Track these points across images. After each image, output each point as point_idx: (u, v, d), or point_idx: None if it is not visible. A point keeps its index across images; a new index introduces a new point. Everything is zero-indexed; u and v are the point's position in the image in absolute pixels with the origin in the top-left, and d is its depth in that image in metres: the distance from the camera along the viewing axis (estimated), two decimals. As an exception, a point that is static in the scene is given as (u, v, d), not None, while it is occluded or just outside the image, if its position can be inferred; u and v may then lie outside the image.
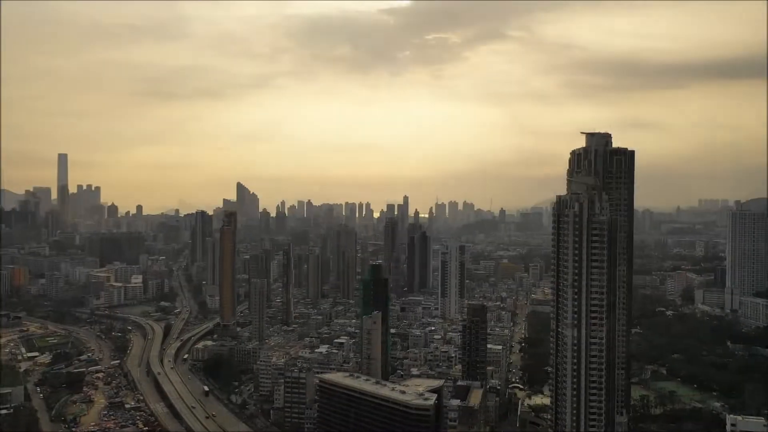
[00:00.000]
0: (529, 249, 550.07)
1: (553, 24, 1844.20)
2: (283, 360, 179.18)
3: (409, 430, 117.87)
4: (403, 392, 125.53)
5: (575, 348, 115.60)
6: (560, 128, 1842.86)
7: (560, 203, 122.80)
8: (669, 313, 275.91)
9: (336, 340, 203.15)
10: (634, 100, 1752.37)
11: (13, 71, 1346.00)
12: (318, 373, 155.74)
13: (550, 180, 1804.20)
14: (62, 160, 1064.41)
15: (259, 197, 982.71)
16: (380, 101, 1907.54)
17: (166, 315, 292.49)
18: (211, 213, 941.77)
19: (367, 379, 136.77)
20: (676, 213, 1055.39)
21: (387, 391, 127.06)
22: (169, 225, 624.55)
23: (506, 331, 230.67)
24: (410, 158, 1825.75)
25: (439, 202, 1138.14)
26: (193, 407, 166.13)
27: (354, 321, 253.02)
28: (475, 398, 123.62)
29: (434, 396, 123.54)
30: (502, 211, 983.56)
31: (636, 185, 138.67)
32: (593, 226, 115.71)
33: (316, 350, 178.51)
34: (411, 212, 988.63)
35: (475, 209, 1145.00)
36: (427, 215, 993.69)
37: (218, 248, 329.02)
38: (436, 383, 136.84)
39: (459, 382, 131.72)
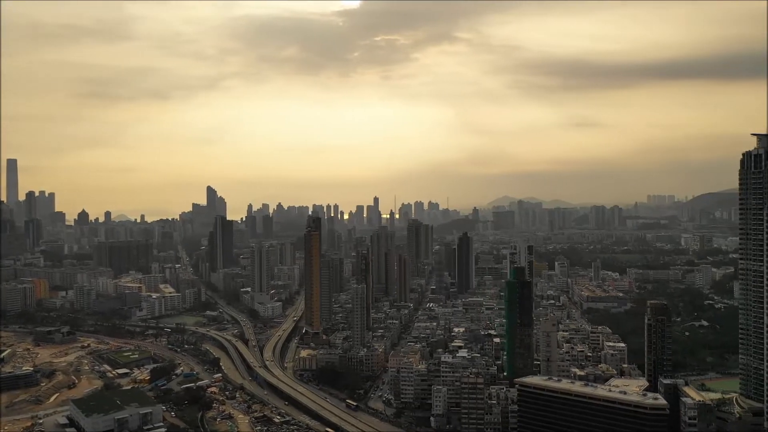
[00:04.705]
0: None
1: (501, 26, 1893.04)
2: (423, 366, 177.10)
3: (644, 430, 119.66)
4: (624, 393, 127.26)
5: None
6: (509, 127, 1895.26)
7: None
8: (720, 305, 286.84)
9: (452, 344, 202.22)
10: (580, 99, 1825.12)
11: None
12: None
13: (500, 178, 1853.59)
14: (11, 165, 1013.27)
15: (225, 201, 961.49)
16: (331, 102, 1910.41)
17: (221, 325, 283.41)
18: (177, 217, 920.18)
19: (571, 382, 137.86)
20: (635, 209, 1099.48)
21: (605, 392, 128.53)
22: (162, 231, 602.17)
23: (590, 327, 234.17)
24: (365, 159, 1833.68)
25: (405, 202, 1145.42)
26: (341, 417, 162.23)
27: (434, 324, 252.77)
28: (695, 396, 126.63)
29: (657, 395, 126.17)
30: (475, 210, 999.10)
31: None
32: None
33: (458, 355, 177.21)
34: (386, 213, 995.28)
35: (441, 209, 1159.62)
36: (396, 215, 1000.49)
37: (265, 255, 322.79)
38: (640, 382, 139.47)
39: (665, 381, 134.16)
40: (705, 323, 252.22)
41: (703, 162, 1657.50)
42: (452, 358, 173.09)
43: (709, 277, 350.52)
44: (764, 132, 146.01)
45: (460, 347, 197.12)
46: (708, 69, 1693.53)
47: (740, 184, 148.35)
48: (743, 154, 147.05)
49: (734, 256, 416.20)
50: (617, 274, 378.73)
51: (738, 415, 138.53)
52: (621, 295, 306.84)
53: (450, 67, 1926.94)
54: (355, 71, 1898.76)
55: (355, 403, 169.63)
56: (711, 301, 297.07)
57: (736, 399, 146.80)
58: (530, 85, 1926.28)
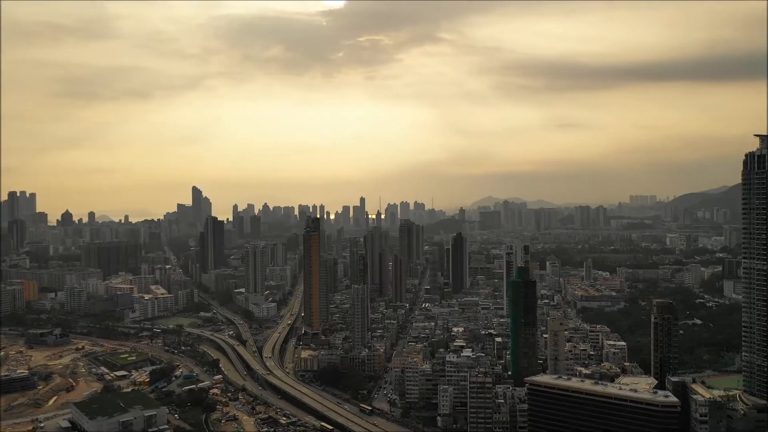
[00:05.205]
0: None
1: (484, 27, 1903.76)
2: (428, 366, 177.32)
3: (655, 428, 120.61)
4: (635, 390, 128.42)
5: None
6: (493, 128, 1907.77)
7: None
8: (711, 304, 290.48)
9: (454, 344, 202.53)
10: (564, 100, 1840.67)
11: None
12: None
13: (484, 179, 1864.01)
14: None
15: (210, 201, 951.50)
16: (315, 102, 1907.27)
17: (216, 326, 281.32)
18: (161, 218, 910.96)
19: (580, 380, 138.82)
20: (618, 209, 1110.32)
21: (615, 390, 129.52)
22: (150, 232, 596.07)
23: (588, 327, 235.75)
24: (349, 159, 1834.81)
25: (391, 203, 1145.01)
26: (349, 418, 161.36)
27: (432, 324, 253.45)
28: (704, 393, 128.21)
29: (668, 392, 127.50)
30: (462, 211, 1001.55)
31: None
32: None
33: (462, 355, 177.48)
34: (372, 213, 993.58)
35: (427, 209, 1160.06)
36: (383, 215, 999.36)
37: (260, 255, 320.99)
38: (649, 380, 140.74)
39: (673, 378, 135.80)
40: (698, 321, 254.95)
41: (684, 163, 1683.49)
42: (457, 357, 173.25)
43: (698, 277, 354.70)
44: (765, 133, 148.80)
45: (462, 347, 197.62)
46: (689, 71, 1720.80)
47: (743, 184, 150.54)
48: (746, 155, 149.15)
49: (721, 255, 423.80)
50: (607, 273, 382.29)
51: (743, 412, 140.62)
52: (614, 294, 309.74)
53: (434, 67, 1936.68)
54: (339, 71, 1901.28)
55: (369, 408, 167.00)
56: (702, 300, 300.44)
57: (739, 396, 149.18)
58: (514, 86, 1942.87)
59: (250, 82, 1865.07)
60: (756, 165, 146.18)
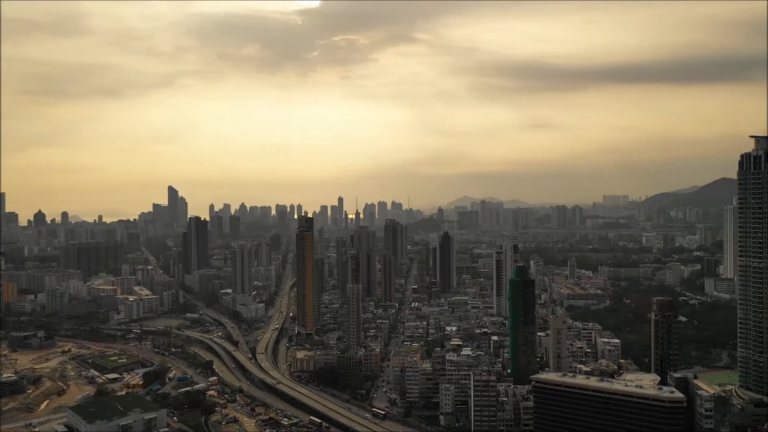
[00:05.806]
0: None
1: (459, 27, 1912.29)
2: (428, 365, 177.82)
3: (662, 423, 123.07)
4: (640, 386, 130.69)
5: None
6: (468, 128, 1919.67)
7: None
8: (694, 301, 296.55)
9: (450, 343, 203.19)
10: (538, 101, 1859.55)
11: None
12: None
13: (460, 179, 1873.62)
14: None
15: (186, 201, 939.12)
16: (290, 102, 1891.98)
17: (204, 327, 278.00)
18: (136, 218, 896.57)
19: (585, 377, 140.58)
20: (593, 208, 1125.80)
21: (621, 386, 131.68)
22: (128, 232, 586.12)
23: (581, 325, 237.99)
24: (325, 159, 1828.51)
25: (368, 202, 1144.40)
26: (362, 423, 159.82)
27: (424, 323, 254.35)
28: (707, 389, 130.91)
29: (673, 388, 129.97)
30: (440, 210, 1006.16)
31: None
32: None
33: (462, 353, 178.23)
34: (350, 213, 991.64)
35: (404, 209, 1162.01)
36: (362, 215, 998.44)
37: (247, 255, 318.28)
38: (653, 377, 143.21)
39: (675, 375, 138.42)
40: (683, 319, 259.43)
41: (655, 163, 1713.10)
42: (457, 356, 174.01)
43: (678, 275, 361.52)
44: (764, 134, 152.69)
45: (460, 346, 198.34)
46: (661, 73, 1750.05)
47: (739, 184, 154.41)
48: (742, 156, 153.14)
49: (698, 253, 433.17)
50: (590, 272, 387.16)
51: (740, 407, 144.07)
52: (600, 292, 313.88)
53: (409, 68, 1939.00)
54: (314, 71, 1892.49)
55: (383, 412, 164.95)
56: (685, 298, 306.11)
57: (735, 391, 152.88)
58: (489, 86, 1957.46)
59: (225, 81, 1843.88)
60: (752, 165, 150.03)
